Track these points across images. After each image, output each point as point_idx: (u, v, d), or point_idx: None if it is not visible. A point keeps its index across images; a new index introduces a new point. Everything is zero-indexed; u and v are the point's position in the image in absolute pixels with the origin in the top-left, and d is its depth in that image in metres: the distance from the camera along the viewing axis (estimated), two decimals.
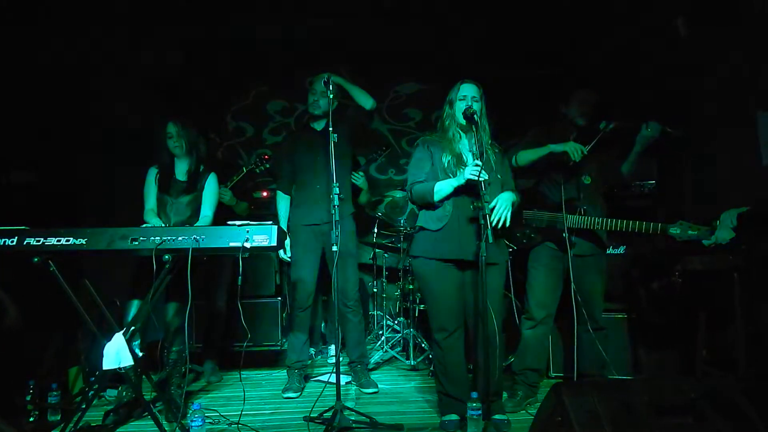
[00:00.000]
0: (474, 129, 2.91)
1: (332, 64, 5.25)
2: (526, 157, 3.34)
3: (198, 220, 3.50)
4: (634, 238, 3.39)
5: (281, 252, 3.78)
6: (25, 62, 4.04)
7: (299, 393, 3.64)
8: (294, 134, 3.99)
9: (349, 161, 3.88)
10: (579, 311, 3.21)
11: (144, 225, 3.28)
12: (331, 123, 3.16)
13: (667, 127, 3.18)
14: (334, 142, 3.11)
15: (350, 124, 3.81)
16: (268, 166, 4.34)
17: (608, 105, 3.41)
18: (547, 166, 3.32)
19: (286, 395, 3.60)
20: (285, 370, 3.83)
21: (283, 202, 3.88)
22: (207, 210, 3.52)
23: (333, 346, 4.55)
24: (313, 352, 4.71)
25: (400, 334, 4.61)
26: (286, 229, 3.79)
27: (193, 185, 3.52)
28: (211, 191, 3.56)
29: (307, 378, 3.93)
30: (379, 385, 3.74)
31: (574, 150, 3.16)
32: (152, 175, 3.54)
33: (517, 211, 3.37)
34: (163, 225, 3.35)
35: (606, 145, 3.28)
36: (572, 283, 3.21)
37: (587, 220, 3.22)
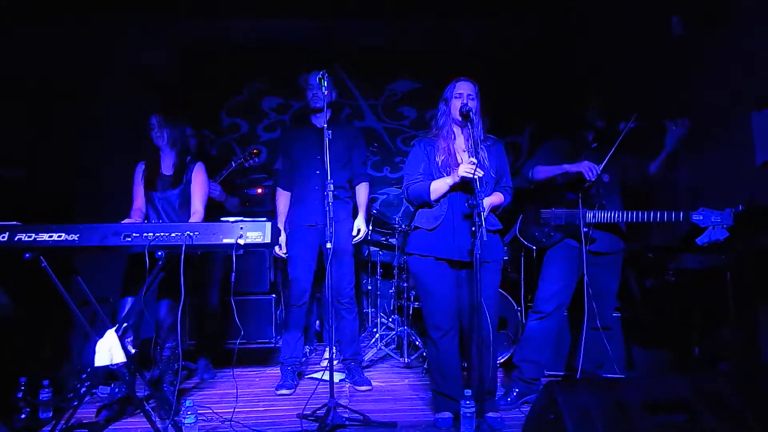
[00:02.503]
0: (469, 126, 2.92)
1: (328, 62, 5.26)
2: (541, 174, 3.36)
3: (187, 213, 3.46)
4: (628, 237, 3.39)
5: (276, 248, 3.77)
6: (20, 59, 4.02)
7: (293, 390, 3.63)
8: (292, 129, 3.94)
9: (348, 167, 3.83)
10: (590, 308, 3.22)
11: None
12: (327, 121, 3.15)
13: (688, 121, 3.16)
14: (329, 139, 3.09)
15: (349, 139, 3.80)
16: (257, 160, 4.32)
17: (626, 106, 3.41)
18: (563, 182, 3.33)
19: (279, 392, 3.59)
20: (278, 368, 3.82)
21: (283, 199, 3.84)
22: (197, 204, 3.46)
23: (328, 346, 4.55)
24: (308, 350, 4.71)
25: (394, 332, 4.60)
26: (285, 227, 3.78)
27: (179, 178, 3.47)
28: (198, 183, 3.49)
29: (300, 375, 3.92)
30: (373, 383, 3.73)
31: (588, 170, 3.17)
32: (139, 172, 3.51)
33: (533, 211, 3.41)
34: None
35: (627, 145, 3.28)
36: (585, 277, 3.22)
37: (607, 213, 3.22)
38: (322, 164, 3.52)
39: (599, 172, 3.17)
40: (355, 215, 3.87)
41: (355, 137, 3.88)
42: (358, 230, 3.80)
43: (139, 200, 3.48)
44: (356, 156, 3.85)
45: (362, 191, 3.88)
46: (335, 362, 3.35)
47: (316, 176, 3.67)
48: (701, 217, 3.06)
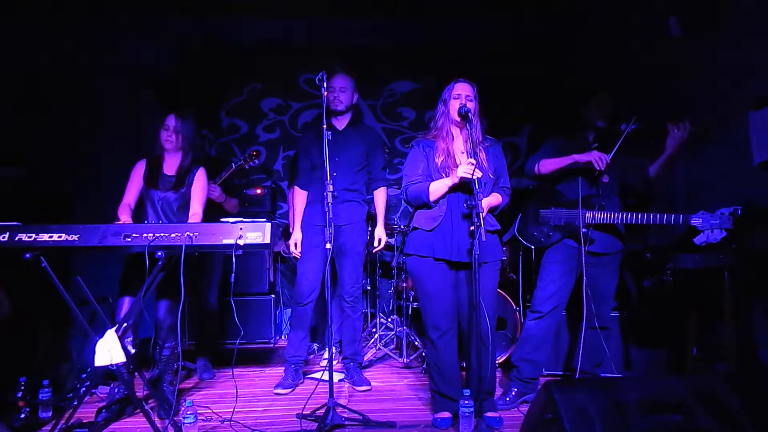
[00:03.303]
0: (468, 127, 2.93)
1: (327, 62, 5.27)
2: (548, 167, 3.35)
3: (185, 215, 3.45)
4: (626, 237, 3.40)
5: (292, 247, 3.78)
6: (20, 59, 4.03)
7: (291, 389, 3.64)
8: (314, 130, 3.94)
9: (366, 170, 3.83)
10: (588, 308, 3.24)
11: (118, 222, 3.22)
12: (326, 123, 3.16)
13: (691, 125, 3.17)
14: (328, 140, 3.10)
15: (369, 143, 3.81)
16: (257, 162, 4.34)
17: (625, 106, 3.41)
18: (570, 172, 3.33)
19: (276, 391, 3.60)
20: (278, 367, 3.84)
21: (300, 198, 3.84)
22: (196, 207, 3.45)
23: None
24: (316, 348, 4.73)
25: (393, 332, 4.62)
26: (301, 226, 3.78)
27: (182, 182, 3.46)
28: (199, 187, 3.49)
29: (303, 374, 3.93)
30: (372, 383, 3.74)
31: (598, 160, 3.17)
32: (140, 169, 3.48)
33: (533, 211, 3.42)
34: (131, 222, 3.30)
35: (626, 147, 3.29)
36: (584, 278, 3.23)
37: (606, 214, 3.23)
38: (339, 166, 3.57)
39: (608, 161, 3.18)
40: (369, 219, 3.87)
41: (374, 141, 3.88)
42: (379, 240, 3.83)
43: (131, 196, 3.44)
44: (376, 160, 3.85)
45: (380, 196, 3.89)
46: (334, 362, 3.35)
47: (332, 177, 3.68)
48: (701, 221, 3.07)
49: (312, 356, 4.59)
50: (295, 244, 3.77)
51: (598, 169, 3.18)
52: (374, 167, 3.86)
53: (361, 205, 3.81)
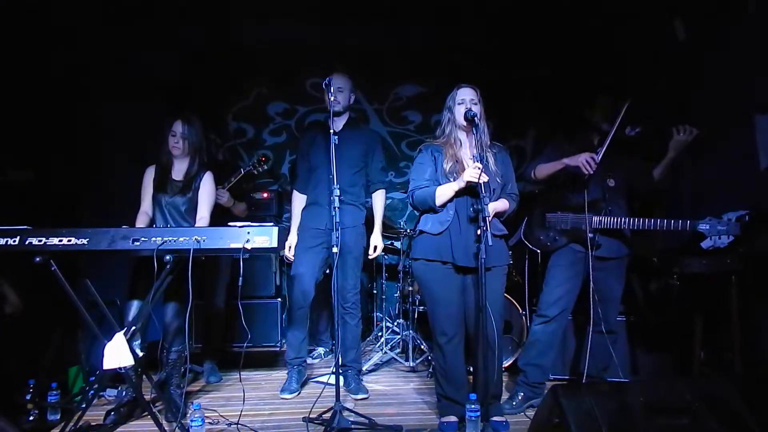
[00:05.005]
0: (474, 131, 2.94)
1: (332, 66, 5.29)
2: (543, 171, 3.36)
3: (193, 219, 3.47)
4: (632, 241, 3.39)
5: (287, 250, 3.75)
6: (26, 62, 4.06)
7: (296, 392, 3.65)
8: (312, 133, 3.92)
9: (363, 172, 3.77)
10: (595, 312, 3.23)
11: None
12: (336, 125, 3.16)
13: (695, 128, 3.17)
14: (342, 143, 3.10)
15: (367, 143, 3.76)
16: (266, 167, 4.35)
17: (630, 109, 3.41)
18: (567, 175, 3.32)
19: (282, 394, 3.61)
20: (284, 371, 3.83)
21: (298, 202, 3.82)
22: (203, 211, 3.46)
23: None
24: (323, 352, 4.74)
25: (399, 336, 4.62)
26: (299, 229, 3.76)
27: (189, 186, 3.47)
28: (206, 191, 3.50)
29: (308, 377, 3.93)
30: (378, 386, 3.74)
31: (585, 163, 3.13)
32: (149, 175, 3.51)
33: (539, 215, 3.42)
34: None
35: (631, 150, 3.28)
36: (591, 283, 3.22)
37: (613, 219, 3.22)
38: (336, 168, 3.56)
39: (597, 161, 3.13)
40: (368, 222, 3.83)
41: (373, 142, 3.81)
42: (375, 248, 3.74)
43: (146, 203, 3.49)
44: (374, 161, 3.78)
45: (378, 198, 3.82)
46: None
47: (328, 180, 3.67)
48: (707, 227, 3.04)
49: (318, 360, 4.60)
50: (290, 247, 3.74)
51: (587, 172, 3.14)
52: (373, 168, 3.78)
53: (358, 209, 3.74)
